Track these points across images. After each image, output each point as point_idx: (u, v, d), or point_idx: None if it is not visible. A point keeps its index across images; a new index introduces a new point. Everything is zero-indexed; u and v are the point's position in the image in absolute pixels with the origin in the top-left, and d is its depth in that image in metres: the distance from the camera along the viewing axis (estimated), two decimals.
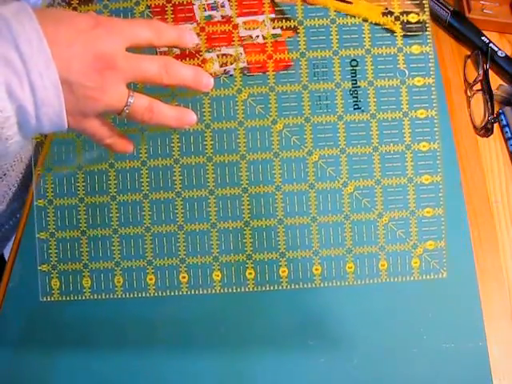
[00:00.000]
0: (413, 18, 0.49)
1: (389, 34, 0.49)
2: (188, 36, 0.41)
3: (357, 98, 0.50)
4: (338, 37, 0.49)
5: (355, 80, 0.50)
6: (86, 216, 0.50)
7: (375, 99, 0.49)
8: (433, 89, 0.49)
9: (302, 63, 0.49)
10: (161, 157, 0.49)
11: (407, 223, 0.49)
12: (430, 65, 0.49)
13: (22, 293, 0.52)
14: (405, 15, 0.49)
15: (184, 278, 0.49)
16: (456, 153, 0.59)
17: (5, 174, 0.58)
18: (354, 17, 0.49)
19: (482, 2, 0.68)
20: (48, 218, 0.50)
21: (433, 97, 0.49)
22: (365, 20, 0.49)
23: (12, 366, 0.51)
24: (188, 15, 0.50)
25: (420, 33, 0.50)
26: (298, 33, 0.49)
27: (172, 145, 0.49)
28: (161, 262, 0.49)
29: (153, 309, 0.52)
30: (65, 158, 0.50)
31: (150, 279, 0.49)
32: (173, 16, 0.49)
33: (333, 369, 0.50)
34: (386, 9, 0.54)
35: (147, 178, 0.49)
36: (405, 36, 0.49)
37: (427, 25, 0.49)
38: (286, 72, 0.49)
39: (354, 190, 0.50)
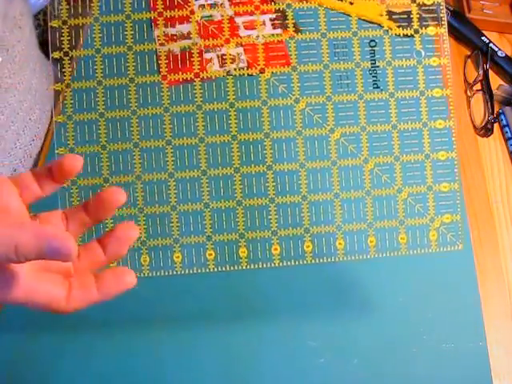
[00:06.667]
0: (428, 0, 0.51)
1: (406, 16, 0.51)
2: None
3: (376, 77, 0.52)
4: (356, 19, 0.51)
5: (374, 60, 0.51)
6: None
7: (393, 78, 0.51)
8: (448, 69, 0.51)
9: (322, 43, 0.50)
10: (185, 136, 0.50)
11: (425, 198, 0.51)
12: (444, 46, 0.51)
13: None
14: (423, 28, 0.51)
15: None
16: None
17: (15, 170, 0.57)
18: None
19: (482, 2, 0.70)
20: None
21: (448, 76, 0.51)
22: (365, 20, 0.51)
23: (13, 366, 0.51)
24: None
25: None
26: (299, 32, 0.50)
27: (197, 124, 0.50)
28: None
29: (151, 304, 0.54)
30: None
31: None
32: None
33: (333, 369, 0.51)
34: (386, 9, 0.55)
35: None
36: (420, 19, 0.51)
37: (441, 6, 0.51)
38: (307, 52, 0.51)
39: (375, 167, 0.51)
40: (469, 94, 0.66)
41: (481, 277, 0.55)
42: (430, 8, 0.51)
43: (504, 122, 0.63)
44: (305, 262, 0.51)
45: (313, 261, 0.51)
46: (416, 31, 0.51)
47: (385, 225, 0.51)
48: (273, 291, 0.56)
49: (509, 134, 0.63)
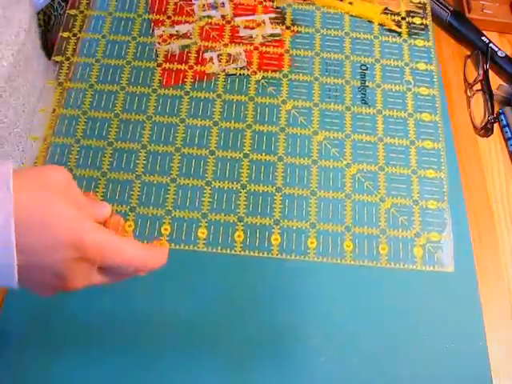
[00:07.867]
0: (419, 42, 0.54)
1: (397, 51, 0.54)
2: None
3: (365, 94, 0.52)
4: (350, 45, 0.53)
5: (364, 80, 0.52)
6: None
7: (382, 98, 0.51)
8: (437, 98, 0.51)
9: (315, 60, 0.52)
10: (167, 115, 0.49)
11: (410, 211, 0.47)
12: (434, 79, 0.52)
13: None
14: (412, 39, 0.54)
15: (166, 230, 0.45)
16: (456, 153, 0.60)
17: None
18: (366, 33, 0.54)
19: (481, 2, 0.70)
20: None
21: (437, 105, 0.51)
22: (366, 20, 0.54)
23: (13, 366, 0.50)
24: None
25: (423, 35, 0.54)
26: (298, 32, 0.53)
27: (181, 107, 0.50)
28: (145, 211, 0.45)
29: (153, 308, 0.52)
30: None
31: (129, 226, 0.45)
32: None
33: (333, 368, 0.50)
34: (386, 8, 0.58)
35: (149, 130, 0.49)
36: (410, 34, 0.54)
37: (429, 26, 0.54)
38: (299, 65, 0.52)
39: (357, 172, 0.48)
40: (469, 93, 0.64)
41: (481, 277, 0.54)
42: (419, 26, 0.54)
43: (504, 122, 0.61)
44: (270, 255, 0.45)
45: (279, 255, 0.45)
46: (405, 41, 0.53)
47: (364, 231, 0.46)
48: (273, 291, 0.53)
49: (509, 134, 0.61)
